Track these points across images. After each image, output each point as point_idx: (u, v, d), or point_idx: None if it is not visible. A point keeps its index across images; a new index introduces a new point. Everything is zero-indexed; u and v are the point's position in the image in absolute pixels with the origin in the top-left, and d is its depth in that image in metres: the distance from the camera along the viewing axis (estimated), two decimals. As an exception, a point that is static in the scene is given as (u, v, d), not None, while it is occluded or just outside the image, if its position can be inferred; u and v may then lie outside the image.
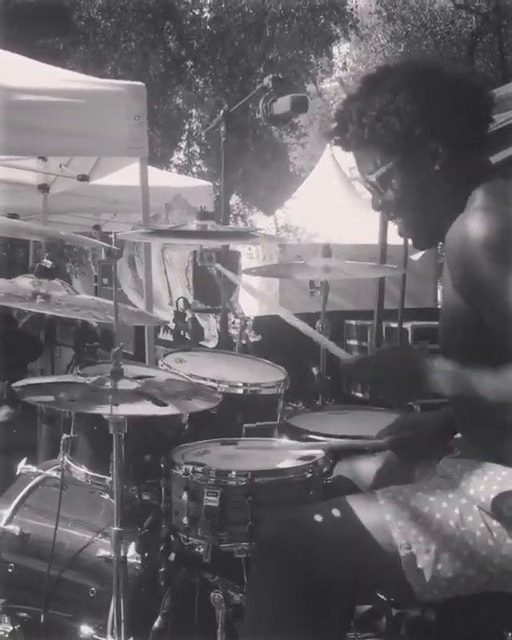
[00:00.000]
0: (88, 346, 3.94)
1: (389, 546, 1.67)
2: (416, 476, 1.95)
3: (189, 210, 5.54)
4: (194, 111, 16.56)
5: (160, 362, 2.52)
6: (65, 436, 2.30)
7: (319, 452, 2.09)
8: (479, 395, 1.61)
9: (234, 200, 15.04)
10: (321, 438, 2.26)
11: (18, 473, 2.61)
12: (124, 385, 1.97)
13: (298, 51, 15.06)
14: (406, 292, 5.03)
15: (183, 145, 17.02)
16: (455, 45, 16.47)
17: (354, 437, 2.25)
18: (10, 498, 2.56)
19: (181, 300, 4.88)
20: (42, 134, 3.89)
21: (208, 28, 14.75)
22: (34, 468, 2.59)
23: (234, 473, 1.94)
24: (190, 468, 1.97)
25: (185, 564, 2.06)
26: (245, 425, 2.30)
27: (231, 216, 13.19)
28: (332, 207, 10.61)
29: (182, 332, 4.64)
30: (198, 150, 16.88)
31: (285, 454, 2.13)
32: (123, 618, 1.97)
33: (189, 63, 14.93)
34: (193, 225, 2.17)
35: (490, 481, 1.68)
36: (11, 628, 2.37)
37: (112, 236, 2.10)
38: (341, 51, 19.12)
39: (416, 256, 8.67)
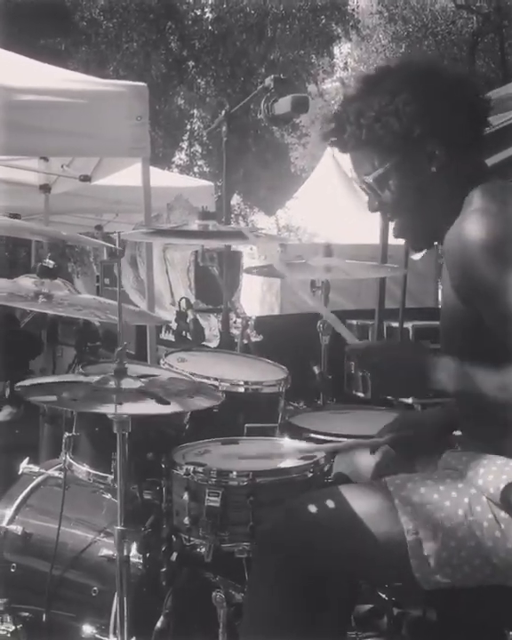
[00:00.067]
0: (90, 345, 3.94)
1: (395, 531, 1.68)
2: (417, 469, 1.95)
3: (191, 210, 5.53)
4: (195, 111, 16.56)
5: (162, 361, 2.52)
6: (67, 434, 2.30)
7: (320, 452, 2.09)
8: (482, 392, 1.62)
9: (235, 200, 15.03)
10: (323, 438, 2.26)
11: (20, 473, 2.62)
12: (127, 384, 1.97)
13: (299, 51, 15.06)
14: (407, 291, 5.04)
15: (185, 145, 17.02)
16: (456, 46, 16.47)
17: (355, 437, 2.25)
18: (12, 497, 2.56)
19: (183, 300, 4.88)
20: (43, 134, 3.89)
21: (210, 28, 14.75)
22: (36, 468, 2.60)
23: (235, 473, 1.95)
24: (191, 468, 1.97)
25: (186, 563, 2.06)
26: (247, 425, 2.30)
27: (232, 216, 13.19)
28: (334, 207, 10.60)
29: (184, 332, 4.63)
30: (200, 150, 16.87)
31: (287, 455, 2.13)
32: (126, 617, 1.97)
33: (191, 63, 14.93)
34: (195, 225, 2.18)
35: (498, 471, 1.68)
36: (13, 627, 2.37)
37: (115, 235, 2.10)
38: (343, 51, 19.13)
39: (417, 256, 8.66)
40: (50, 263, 2.28)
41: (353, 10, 15.42)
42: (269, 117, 3.11)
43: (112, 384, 1.97)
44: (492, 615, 1.80)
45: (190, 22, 14.71)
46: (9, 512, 2.52)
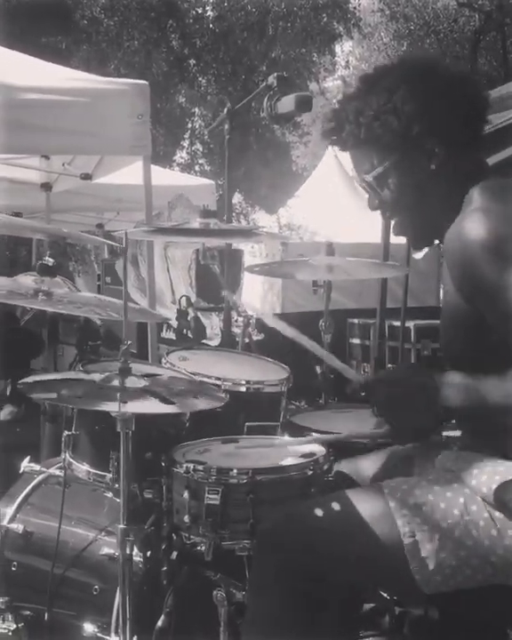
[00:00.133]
0: (91, 344, 3.94)
1: (393, 534, 1.67)
2: (415, 471, 1.95)
3: (192, 208, 5.54)
4: (197, 110, 16.57)
5: (163, 360, 2.52)
6: (66, 433, 2.30)
7: (320, 449, 2.09)
8: (489, 401, 1.61)
9: (236, 199, 15.03)
10: (319, 436, 2.26)
11: (21, 471, 2.61)
12: (131, 383, 1.97)
13: (300, 49, 15.08)
14: (409, 290, 5.04)
15: (186, 143, 17.02)
16: (458, 44, 16.46)
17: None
18: (13, 496, 2.56)
19: (184, 298, 4.89)
20: (45, 133, 3.89)
21: (211, 26, 14.76)
22: (37, 467, 2.60)
23: (235, 471, 1.95)
24: (191, 466, 1.97)
25: (187, 562, 2.06)
26: (247, 423, 2.30)
27: (234, 214, 13.18)
28: (335, 206, 10.60)
29: (185, 331, 4.64)
30: (201, 149, 16.87)
31: (285, 451, 2.13)
32: (127, 615, 1.97)
33: (192, 62, 14.95)
34: (196, 223, 2.17)
35: (492, 472, 1.68)
36: (14, 625, 2.37)
37: (120, 233, 2.09)
38: (344, 49, 19.14)
39: (419, 255, 8.65)
40: (49, 261, 2.28)
41: (354, 8, 15.43)
42: (272, 116, 3.10)
43: (116, 382, 1.97)
44: (494, 614, 1.80)
45: (191, 20, 14.72)
46: (10, 511, 2.52)
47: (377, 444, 2.16)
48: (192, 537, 1.96)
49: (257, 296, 9.50)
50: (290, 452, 2.13)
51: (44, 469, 2.58)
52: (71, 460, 2.29)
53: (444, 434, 2.09)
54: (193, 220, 2.20)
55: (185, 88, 15.27)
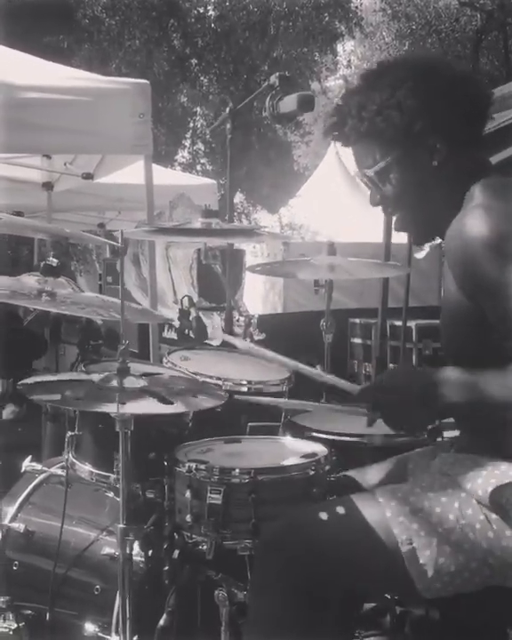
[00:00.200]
0: (93, 344, 3.94)
1: (391, 543, 1.67)
2: (409, 474, 1.94)
3: (194, 208, 5.53)
4: (198, 109, 16.57)
5: (164, 360, 2.52)
6: (69, 433, 2.30)
7: (322, 449, 2.09)
8: (488, 396, 1.61)
9: (238, 198, 15.03)
10: (325, 437, 2.26)
11: (23, 471, 2.62)
12: (130, 383, 1.97)
13: (302, 49, 15.07)
14: (410, 290, 5.04)
15: (187, 143, 17.02)
16: (460, 43, 16.45)
17: (356, 435, 2.24)
18: (15, 496, 2.56)
19: (186, 298, 4.88)
20: (46, 132, 3.89)
21: (212, 26, 14.76)
22: (38, 466, 2.60)
23: (237, 470, 1.95)
24: (193, 465, 1.97)
25: (188, 561, 2.06)
26: (249, 423, 2.30)
27: (235, 214, 13.18)
28: (337, 205, 10.60)
29: (186, 331, 4.64)
30: (202, 148, 16.88)
31: (287, 451, 2.13)
32: (128, 615, 1.97)
33: (194, 61, 14.94)
34: (197, 223, 2.17)
35: (488, 475, 1.68)
36: (15, 625, 2.38)
37: (117, 233, 2.09)
38: (346, 48, 19.14)
39: (420, 254, 8.64)
40: (53, 261, 2.28)
41: (356, 7, 15.42)
42: (274, 115, 3.10)
43: (115, 383, 1.97)
44: (494, 615, 1.80)
45: (193, 20, 14.72)
46: (12, 510, 2.52)
47: (378, 447, 2.16)
48: (194, 536, 1.96)
49: (258, 296, 9.51)
50: (292, 451, 2.13)
51: (45, 469, 2.58)
52: (74, 460, 2.29)
53: (444, 434, 2.09)
54: (194, 219, 2.21)
55: (186, 87, 15.27)
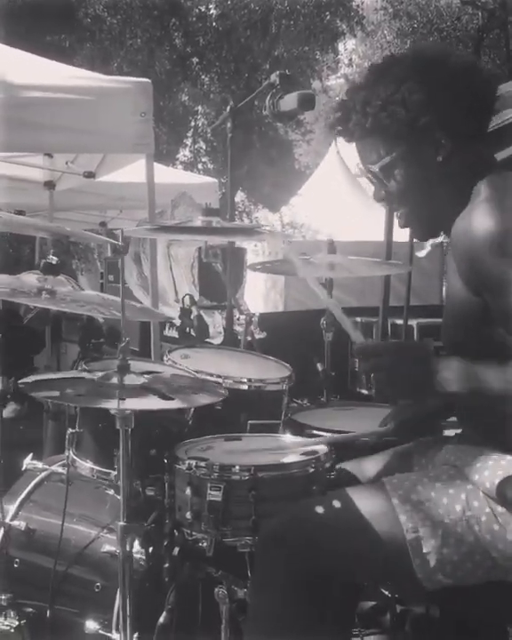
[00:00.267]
0: (94, 342, 3.95)
1: (396, 530, 1.68)
2: (414, 466, 1.95)
3: (195, 206, 5.54)
4: (200, 108, 16.55)
5: (165, 358, 2.52)
6: (70, 430, 2.31)
7: (322, 447, 2.09)
8: (489, 388, 1.61)
9: (239, 197, 15.01)
10: (323, 434, 2.26)
11: (24, 469, 2.62)
12: (130, 380, 1.97)
13: (303, 47, 15.04)
14: (412, 289, 5.03)
15: (189, 142, 17.01)
16: (461, 42, 16.41)
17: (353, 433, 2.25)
18: (16, 493, 2.56)
19: (187, 296, 4.88)
20: (48, 131, 3.90)
21: (214, 24, 14.74)
22: (40, 464, 2.60)
23: (237, 468, 1.95)
24: (193, 462, 1.98)
25: (189, 558, 2.06)
26: (250, 421, 2.30)
27: (236, 213, 13.17)
28: (338, 204, 10.60)
29: (188, 329, 4.64)
30: (204, 147, 16.86)
31: (288, 450, 2.13)
32: (129, 613, 1.98)
33: (195, 60, 14.92)
34: (198, 221, 2.18)
35: (494, 466, 1.69)
36: (16, 622, 2.38)
37: (118, 231, 2.10)
38: (347, 47, 19.10)
39: (421, 253, 8.65)
40: (53, 259, 2.28)
41: (357, 6, 15.37)
42: (274, 114, 3.10)
43: (115, 380, 1.97)
44: (494, 612, 1.80)
45: (194, 19, 14.70)
46: (13, 508, 2.52)
47: (380, 443, 2.16)
48: (194, 533, 1.97)
49: (259, 294, 9.51)
50: (291, 447, 2.14)
51: (46, 467, 2.59)
52: (75, 457, 2.30)
53: (445, 433, 2.10)
54: (196, 218, 2.21)
55: (188, 86, 15.25)
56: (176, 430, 2.24)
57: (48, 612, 2.34)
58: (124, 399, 1.90)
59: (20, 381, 2.01)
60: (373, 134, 1.80)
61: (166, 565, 2.07)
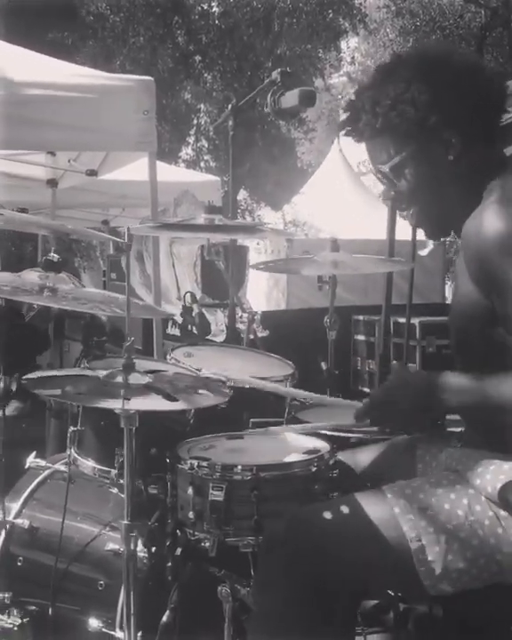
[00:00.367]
0: (96, 340, 3.94)
1: (399, 539, 1.67)
2: (418, 471, 1.95)
3: (197, 204, 5.54)
4: (202, 106, 16.55)
5: (168, 356, 2.52)
6: (72, 429, 2.30)
7: (324, 446, 2.09)
8: (491, 403, 1.62)
9: (241, 195, 15.03)
10: (328, 434, 2.26)
11: (26, 467, 2.62)
12: (135, 379, 1.97)
13: (306, 45, 15.02)
14: (414, 287, 5.02)
15: (191, 140, 17.02)
16: (464, 40, 16.37)
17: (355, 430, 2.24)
18: (19, 492, 2.57)
19: (189, 294, 4.89)
20: (50, 129, 3.90)
21: (216, 22, 14.72)
22: (42, 462, 2.60)
23: (239, 467, 1.94)
24: (195, 462, 1.97)
25: (191, 558, 2.06)
26: (252, 420, 2.30)
27: (239, 211, 13.18)
28: (340, 202, 10.61)
29: (190, 327, 4.64)
30: (206, 145, 16.87)
31: (290, 448, 2.13)
32: (132, 611, 1.97)
33: (198, 58, 14.91)
34: (201, 219, 2.17)
35: (496, 471, 1.68)
36: (19, 620, 2.38)
37: (122, 229, 2.10)
38: (350, 45, 19.07)
39: (424, 251, 8.62)
40: (54, 257, 2.27)
41: (360, 4, 15.35)
42: (276, 111, 3.10)
43: (120, 379, 1.97)
44: (498, 611, 1.80)
45: (197, 17, 14.69)
46: (16, 506, 2.52)
47: (376, 439, 2.16)
48: (196, 533, 1.96)
49: (262, 292, 9.51)
50: (294, 448, 2.13)
51: (49, 465, 2.58)
52: (76, 455, 2.30)
53: (448, 429, 2.09)
54: (198, 216, 2.20)
55: (190, 84, 15.25)
56: (178, 429, 2.24)
57: (50, 611, 2.34)
58: (128, 399, 1.90)
59: (23, 377, 2.01)
60: (383, 134, 1.79)
61: (169, 564, 2.07)
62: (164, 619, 2.07)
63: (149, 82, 4.04)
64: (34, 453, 2.65)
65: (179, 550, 2.05)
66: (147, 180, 4.18)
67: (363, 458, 2.05)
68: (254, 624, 1.81)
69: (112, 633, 2.21)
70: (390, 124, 1.77)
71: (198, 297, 5.01)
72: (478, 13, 16.68)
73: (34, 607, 2.41)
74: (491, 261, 1.62)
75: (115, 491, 2.32)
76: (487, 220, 1.63)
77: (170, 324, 5.02)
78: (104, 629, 2.24)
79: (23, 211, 4.31)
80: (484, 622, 1.88)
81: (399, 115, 1.75)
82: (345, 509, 1.73)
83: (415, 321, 6.45)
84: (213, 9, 15.03)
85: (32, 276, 2.31)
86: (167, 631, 2.07)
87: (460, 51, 1.92)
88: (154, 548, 2.18)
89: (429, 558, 1.65)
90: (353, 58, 18.87)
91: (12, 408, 4.58)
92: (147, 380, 1.99)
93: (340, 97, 19.46)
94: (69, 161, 5.36)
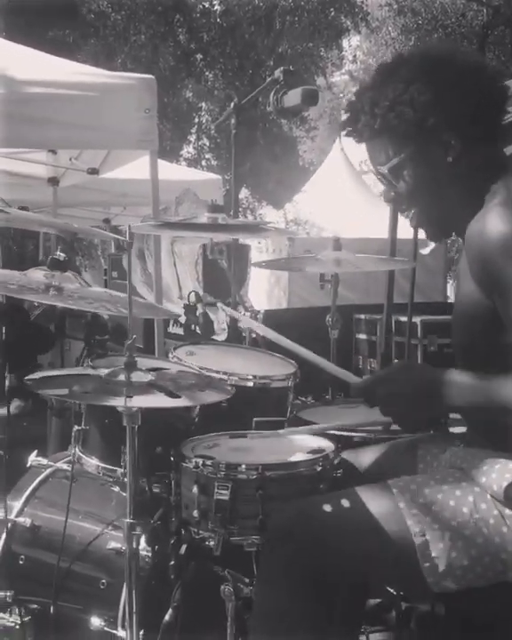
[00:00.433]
0: (98, 339, 3.94)
1: (403, 534, 1.67)
2: (419, 471, 1.95)
3: (199, 203, 5.53)
4: (204, 104, 16.56)
5: (171, 355, 2.52)
6: (76, 427, 2.30)
7: (329, 445, 2.08)
8: (494, 403, 1.61)
9: (243, 194, 15.03)
10: (330, 433, 2.26)
11: (28, 465, 2.62)
12: (137, 377, 1.97)
13: (308, 44, 15.03)
14: (416, 286, 5.01)
15: (193, 138, 17.03)
16: (466, 38, 16.36)
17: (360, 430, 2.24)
18: (21, 490, 2.56)
19: (193, 293, 4.88)
20: (52, 127, 3.89)
21: (218, 20, 14.72)
22: (44, 461, 2.60)
23: (244, 466, 1.94)
24: (200, 461, 1.97)
25: (195, 557, 2.06)
26: (255, 418, 2.30)
27: (240, 210, 13.18)
28: (342, 201, 10.60)
29: (193, 326, 4.63)
30: (208, 143, 16.87)
31: (295, 447, 2.13)
32: (134, 610, 1.97)
33: (199, 56, 14.92)
34: (203, 218, 2.17)
35: (502, 469, 1.68)
36: (21, 619, 2.38)
37: (124, 227, 2.10)
38: (351, 44, 19.07)
39: (425, 250, 8.64)
40: (61, 256, 2.27)
41: (362, 2, 15.34)
42: (278, 110, 3.10)
43: (122, 377, 1.97)
44: (500, 610, 1.80)
45: (198, 15, 14.70)
46: (17, 504, 2.52)
47: (380, 438, 2.16)
48: (201, 532, 1.96)
49: (263, 291, 9.51)
50: (299, 447, 2.13)
51: (51, 463, 2.58)
52: (81, 454, 2.29)
53: (450, 430, 2.09)
54: (200, 214, 2.20)
55: (192, 83, 15.25)
56: (182, 427, 2.24)
57: (52, 609, 2.34)
58: (131, 397, 1.90)
59: (25, 378, 2.00)
60: (382, 135, 1.79)
61: (172, 563, 2.07)
62: (167, 617, 2.07)
63: (151, 80, 4.03)
64: (35, 452, 2.64)
65: (183, 549, 2.05)
66: (148, 178, 4.17)
67: (365, 457, 2.05)
68: (256, 622, 1.81)
69: (114, 632, 2.21)
70: (388, 126, 1.76)
71: (200, 295, 5.01)
72: (480, 11, 16.66)
73: (36, 606, 2.41)
74: (493, 263, 1.61)
75: (117, 489, 2.32)
76: (490, 222, 1.63)
77: (172, 322, 5.02)
78: (106, 628, 2.24)
79: (24, 209, 4.31)
80: (487, 621, 1.88)
81: (397, 116, 1.75)
82: (345, 502, 1.73)
83: (417, 320, 6.45)
84: (215, 7, 15.03)
85: (38, 275, 2.31)
86: (169, 630, 2.07)
87: (463, 50, 1.91)
88: (157, 547, 2.18)
89: (433, 554, 1.65)
90: (355, 56, 18.85)
91: (13, 406, 4.57)
92: (149, 377, 1.99)
93: (341, 95, 19.45)
94: (71, 159, 5.35)
